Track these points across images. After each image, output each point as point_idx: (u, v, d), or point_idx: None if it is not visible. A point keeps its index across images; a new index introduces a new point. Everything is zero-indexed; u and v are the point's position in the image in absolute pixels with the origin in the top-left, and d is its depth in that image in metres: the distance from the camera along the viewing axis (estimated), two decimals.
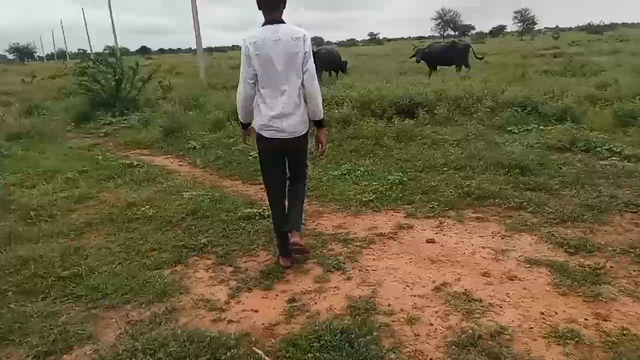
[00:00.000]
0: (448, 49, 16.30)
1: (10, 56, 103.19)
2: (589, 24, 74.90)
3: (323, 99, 3.38)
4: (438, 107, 8.80)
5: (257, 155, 3.51)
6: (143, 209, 4.53)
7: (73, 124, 10.36)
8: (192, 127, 8.70)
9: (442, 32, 66.58)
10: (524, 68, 13.35)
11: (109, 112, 10.68)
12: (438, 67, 16.63)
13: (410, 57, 17.79)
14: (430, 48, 17.04)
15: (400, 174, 5.32)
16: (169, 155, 7.24)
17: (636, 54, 19.90)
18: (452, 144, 6.67)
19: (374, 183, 5.13)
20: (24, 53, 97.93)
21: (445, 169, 5.55)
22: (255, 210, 4.40)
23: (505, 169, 5.30)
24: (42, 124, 9.52)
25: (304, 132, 3.19)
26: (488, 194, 4.59)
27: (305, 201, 3.56)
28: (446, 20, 65.60)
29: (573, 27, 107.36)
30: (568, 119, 7.57)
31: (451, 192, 4.75)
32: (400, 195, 4.76)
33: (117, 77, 11.20)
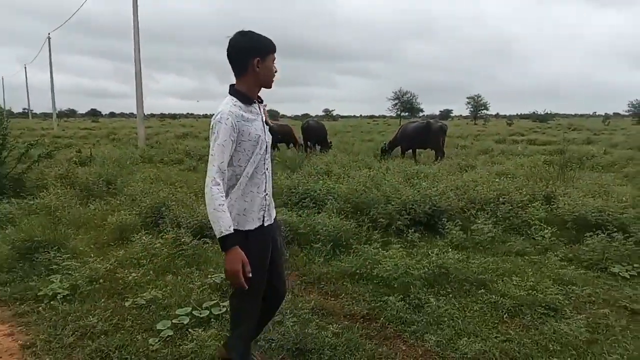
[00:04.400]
0: (423, 130, 13.23)
1: None
2: (533, 112, 78.22)
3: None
4: (474, 218, 5.80)
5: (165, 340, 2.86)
6: None
7: None
8: (74, 239, 5.16)
9: (398, 112, 66.72)
10: (557, 157, 10.60)
11: None
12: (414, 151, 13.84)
13: (382, 155, 13.63)
14: (404, 128, 14.10)
15: None
16: None
17: (616, 145, 18.46)
18: (551, 312, 3.53)
19: None
20: None
21: None
22: None
23: None
24: None
25: None
26: None
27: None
28: (403, 101, 65.90)
29: (513, 114, 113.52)
30: None
31: None
32: None
33: None
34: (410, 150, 13.82)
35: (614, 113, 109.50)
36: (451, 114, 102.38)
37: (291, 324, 3.11)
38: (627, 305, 3.66)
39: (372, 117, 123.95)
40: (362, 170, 9.09)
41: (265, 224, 2.28)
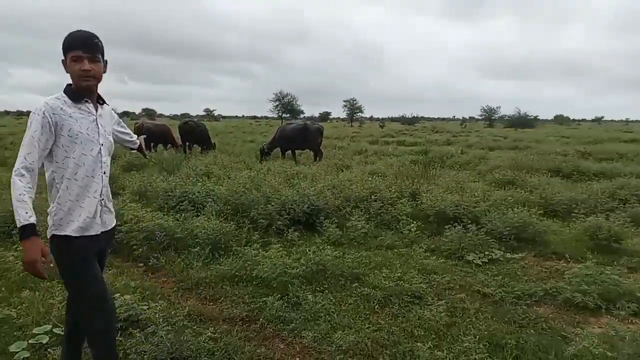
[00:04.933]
0: (301, 132, 13.54)
1: None
2: (403, 115, 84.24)
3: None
4: (349, 216, 6.09)
5: None
6: None
7: None
8: None
9: (280, 114, 67.47)
10: (422, 157, 11.47)
11: None
12: (295, 152, 14.17)
13: (262, 156, 13.32)
14: (282, 129, 14.26)
15: None
16: None
17: (472, 145, 20.75)
18: (416, 300, 3.85)
19: None
20: None
21: None
22: None
23: None
24: None
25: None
26: None
27: None
28: (284, 103, 66.79)
29: (385, 117, 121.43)
30: (528, 240, 5.50)
31: None
32: None
33: None
34: (290, 151, 14.05)
35: (469, 117, 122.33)
36: (330, 116, 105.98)
37: (165, 332, 2.98)
38: (480, 289, 4.12)
39: (254, 117, 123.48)
40: (243, 171, 9.03)
41: (98, 232, 2.21)
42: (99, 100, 2.26)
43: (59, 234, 2.11)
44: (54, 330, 3.07)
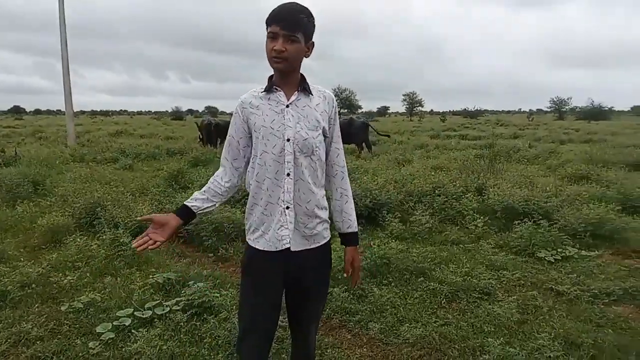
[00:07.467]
0: (346, 126, 14.07)
1: None
2: (464, 109, 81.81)
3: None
4: (412, 211, 6.02)
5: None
6: None
7: None
8: (0, 243, 4.84)
9: (338, 110, 67.53)
10: (487, 151, 11.12)
11: None
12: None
13: None
14: None
15: None
16: None
17: (540, 139, 19.78)
18: (485, 296, 3.75)
19: None
20: None
21: None
22: None
23: None
24: None
25: None
26: None
27: None
28: (342, 98, 66.98)
29: (446, 111, 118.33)
30: (605, 237, 5.19)
31: None
32: None
33: None
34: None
35: (537, 109, 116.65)
36: (388, 111, 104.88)
37: (237, 319, 3.10)
38: (553, 287, 3.95)
39: None
40: None
41: (277, 249, 1.79)
42: (301, 88, 1.82)
43: (247, 240, 1.86)
44: (135, 313, 3.28)
